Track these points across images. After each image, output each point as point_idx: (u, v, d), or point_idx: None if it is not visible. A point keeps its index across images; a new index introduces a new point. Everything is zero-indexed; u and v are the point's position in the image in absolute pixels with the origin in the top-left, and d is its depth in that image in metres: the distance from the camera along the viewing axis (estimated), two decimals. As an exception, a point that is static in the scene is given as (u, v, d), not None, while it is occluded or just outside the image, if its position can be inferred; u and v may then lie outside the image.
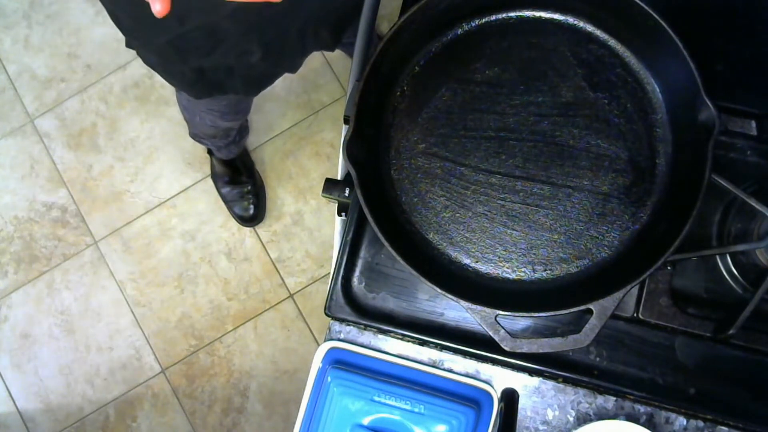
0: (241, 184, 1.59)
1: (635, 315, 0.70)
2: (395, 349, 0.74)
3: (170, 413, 1.62)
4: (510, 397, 0.69)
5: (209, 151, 1.59)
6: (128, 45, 0.88)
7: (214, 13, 0.75)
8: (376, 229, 0.63)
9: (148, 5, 0.50)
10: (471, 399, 0.71)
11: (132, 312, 1.65)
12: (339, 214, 0.79)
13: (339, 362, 0.72)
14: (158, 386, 1.63)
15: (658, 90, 0.70)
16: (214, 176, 1.64)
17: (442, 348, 0.73)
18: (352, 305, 0.74)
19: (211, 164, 1.64)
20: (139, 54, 0.90)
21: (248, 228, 1.65)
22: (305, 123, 1.67)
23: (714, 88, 0.62)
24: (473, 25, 0.73)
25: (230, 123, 1.32)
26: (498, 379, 0.72)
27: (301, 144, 1.67)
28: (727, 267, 0.71)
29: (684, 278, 0.72)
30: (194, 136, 1.36)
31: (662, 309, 0.70)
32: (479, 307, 0.61)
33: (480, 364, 0.73)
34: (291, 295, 1.63)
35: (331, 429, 0.70)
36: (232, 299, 1.64)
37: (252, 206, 1.60)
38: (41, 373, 1.66)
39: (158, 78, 1.14)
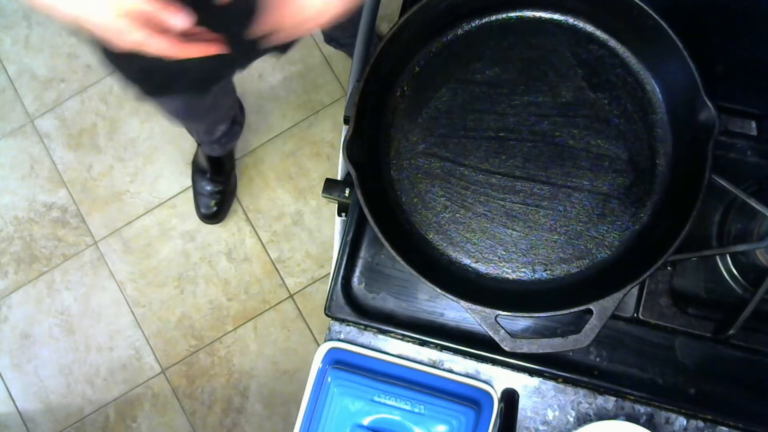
0: (215, 183, 1.59)
1: (635, 315, 0.70)
2: (395, 349, 0.74)
3: (170, 413, 1.62)
4: (510, 398, 0.69)
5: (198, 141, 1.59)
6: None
7: None
8: (376, 229, 0.63)
9: None
10: (471, 399, 0.71)
11: (132, 312, 1.65)
12: (339, 214, 0.79)
13: (339, 362, 0.72)
14: (158, 386, 1.63)
15: (658, 90, 0.70)
16: (194, 164, 1.64)
17: (442, 348, 0.73)
18: (352, 305, 0.74)
19: (195, 152, 1.64)
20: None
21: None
22: (305, 123, 1.67)
23: (714, 88, 0.62)
24: (473, 25, 0.73)
25: (185, 125, 1.32)
26: (498, 379, 0.72)
27: (301, 144, 1.67)
28: (727, 267, 0.71)
29: (684, 278, 0.72)
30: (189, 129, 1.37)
31: (662, 309, 0.70)
32: (479, 308, 0.61)
33: (480, 364, 0.73)
34: (291, 296, 1.63)
35: (331, 429, 0.69)
36: (232, 299, 1.64)
37: (216, 206, 1.61)
38: (41, 374, 1.66)
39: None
